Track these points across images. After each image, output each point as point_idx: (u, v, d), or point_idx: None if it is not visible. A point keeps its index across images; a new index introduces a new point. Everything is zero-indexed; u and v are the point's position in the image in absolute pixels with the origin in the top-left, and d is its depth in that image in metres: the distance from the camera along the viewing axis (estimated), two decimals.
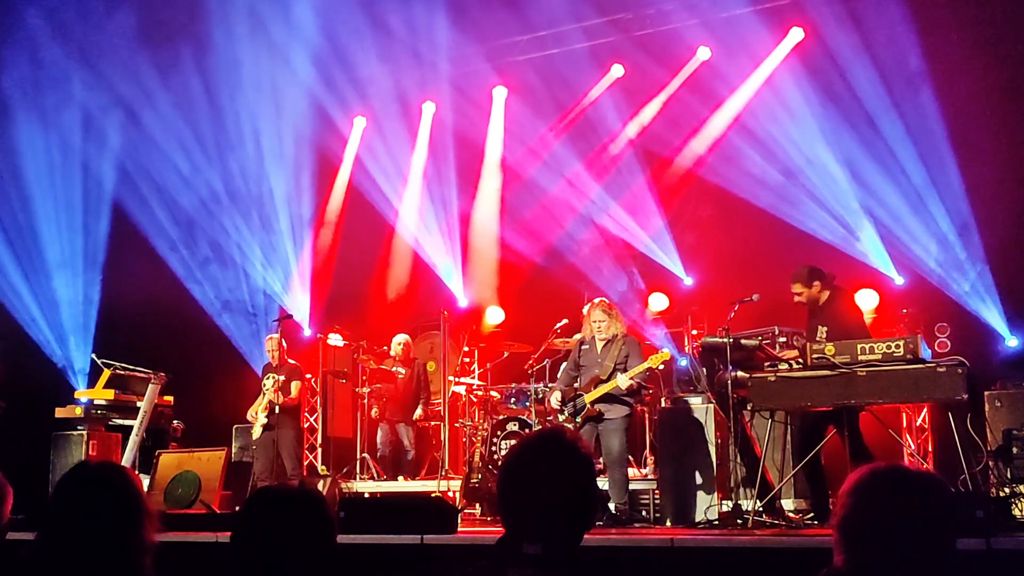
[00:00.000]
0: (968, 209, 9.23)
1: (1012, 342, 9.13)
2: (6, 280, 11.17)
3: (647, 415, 8.91)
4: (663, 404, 8.62)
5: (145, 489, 3.36)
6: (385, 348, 10.55)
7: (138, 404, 9.27)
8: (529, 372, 8.97)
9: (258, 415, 9.46)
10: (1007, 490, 6.68)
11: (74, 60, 10.84)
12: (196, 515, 7.24)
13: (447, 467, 9.22)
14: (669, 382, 9.06)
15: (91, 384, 10.08)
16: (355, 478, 10.17)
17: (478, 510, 8.49)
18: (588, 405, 7.52)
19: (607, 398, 7.48)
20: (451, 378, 9.70)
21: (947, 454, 7.05)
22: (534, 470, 2.33)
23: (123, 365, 9.78)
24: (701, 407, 7.97)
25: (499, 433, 8.77)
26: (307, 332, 11.64)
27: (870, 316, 8.98)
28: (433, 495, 8.06)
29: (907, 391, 6.22)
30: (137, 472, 6.68)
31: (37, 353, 11.03)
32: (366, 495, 9.62)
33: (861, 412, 6.65)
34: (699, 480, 7.76)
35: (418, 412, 10.21)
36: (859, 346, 6.29)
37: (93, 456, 9.01)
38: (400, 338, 10.47)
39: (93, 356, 10.41)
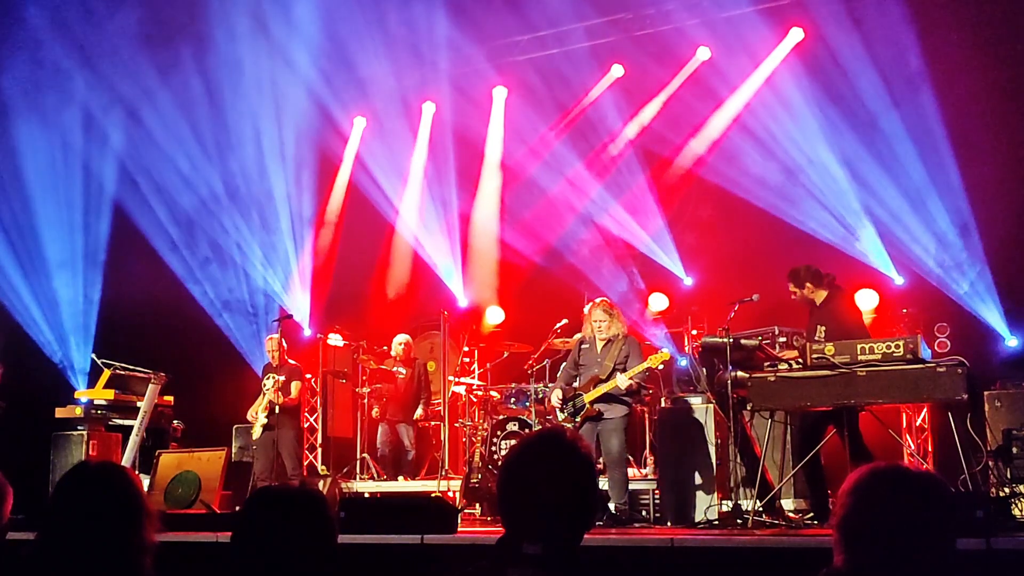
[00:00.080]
0: (968, 209, 9.23)
1: (1012, 342, 9.13)
2: (6, 280, 11.15)
3: (647, 415, 8.90)
4: (663, 404, 8.62)
5: (145, 489, 3.36)
6: (385, 348, 10.55)
7: (138, 404, 9.26)
8: (529, 372, 8.98)
9: (258, 415, 9.46)
10: (1007, 490, 6.68)
11: (75, 60, 10.82)
12: (196, 515, 7.24)
13: (447, 467, 9.23)
14: (669, 382, 9.06)
15: (91, 384, 10.08)
16: (355, 478, 10.18)
17: (478, 510, 8.49)
18: (587, 405, 7.52)
19: (606, 398, 7.48)
20: (451, 378, 9.70)
21: (947, 454, 7.05)
22: (534, 470, 2.33)
23: (123, 365, 9.78)
24: (701, 407, 7.97)
25: (499, 433, 8.77)
26: (307, 332, 11.63)
27: (870, 316, 8.99)
28: (433, 495, 8.05)
29: (907, 391, 6.23)
30: (137, 472, 6.68)
31: (37, 353, 11.02)
32: (366, 495, 9.63)
33: (861, 412, 6.65)
34: (699, 480, 7.76)
35: (419, 412, 10.21)
36: (859, 346, 6.29)
37: (93, 456, 9.01)
38: (401, 338, 10.48)
39: (93, 356, 10.41)
